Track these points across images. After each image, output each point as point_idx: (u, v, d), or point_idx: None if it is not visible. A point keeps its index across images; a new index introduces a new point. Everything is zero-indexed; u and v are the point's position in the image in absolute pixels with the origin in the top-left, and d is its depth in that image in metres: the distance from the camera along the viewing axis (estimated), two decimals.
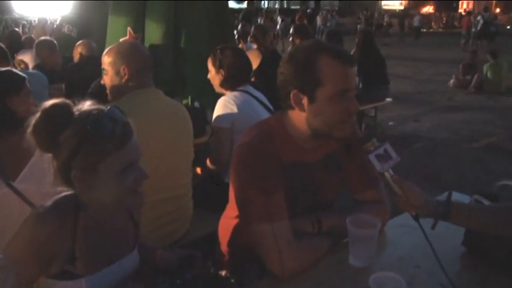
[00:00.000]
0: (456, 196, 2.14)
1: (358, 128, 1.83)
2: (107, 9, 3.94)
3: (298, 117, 1.56)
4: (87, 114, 1.26)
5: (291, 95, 1.52)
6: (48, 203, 1.31)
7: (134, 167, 1.31)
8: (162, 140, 2.16)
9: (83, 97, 1.34)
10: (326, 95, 1.47)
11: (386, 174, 1.47)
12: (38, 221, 1.28)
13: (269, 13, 23.33)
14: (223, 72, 2.84)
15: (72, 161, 1.25)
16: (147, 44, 3.58)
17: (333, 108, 1.48)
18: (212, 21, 3.75)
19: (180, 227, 2.39)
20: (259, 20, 21.86)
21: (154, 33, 3.55)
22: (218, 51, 2.88)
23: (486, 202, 1.79)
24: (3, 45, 3.99)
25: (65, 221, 1.30)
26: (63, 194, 1.33)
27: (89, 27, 5.91)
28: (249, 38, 5.56)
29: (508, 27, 29.44)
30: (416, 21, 24.94)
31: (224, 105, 2.77)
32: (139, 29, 3.63)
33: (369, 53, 6.25)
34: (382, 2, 39.83)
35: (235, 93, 2.83)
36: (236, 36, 7.00)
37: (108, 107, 1.30)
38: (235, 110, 2.73)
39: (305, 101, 1.51)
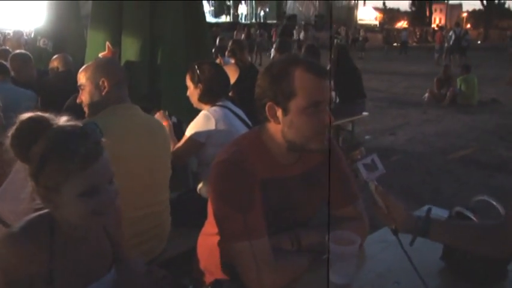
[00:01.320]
0: (435, 211, 2.16)
1: (336, 142, 1.84)
2: (82, 22, 3.91)
3: (275, 130, 1.58)
4: (59, 130, 1.25)
5: (266, 107, 1.53)
6: (21, 223, 1.28)
7: (100, 190, 1.27)
8: (139, 156, 2.14)
9: (59, 112, 1.32)
10: (299, 107, 1.49)
11: (371, 184, 1.49)
12: (9, 244, 1.24)
13: (248, 28, 23.51)
14: (201, 87, 2.85)
15: (38, 178, 1.24)
16: (123, 59, 3.57)
17: (306, 120, 1.50)
18: (189, 36, 3.74)
19: (158, 244, 2.36)
20: (235, 35, 22.04)
21: (130, 48, 3.53)
22: (196, 66, 2.89)
23: (469, 214, 1.80)
24: None
25: (39, 242, 1.27)
26: (37, 213, 1.31)
27: (65, 41, 5.86)
28: (226, 53, 5.57)
29: (479, 42, 30.22)
30: (403, 36, 25.89)
31: (203, 119, 2.77)
32: (116, 44, 3.62)
33: (344, 67, 6.32)
34: (358, 16, 40.56)
35: (215, 108, 2.84)
36: (213, 51, 7.02)
37: (84, 123, 1.28)
38: (212, 125, 2.74)
39: (279, 113, 1.52)
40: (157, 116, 3.15)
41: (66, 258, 1.32)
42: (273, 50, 5.67)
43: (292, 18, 30.57)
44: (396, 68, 18.18)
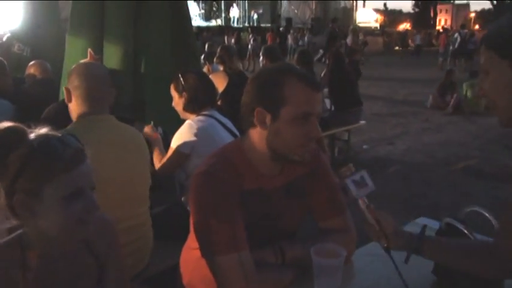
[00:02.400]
0: (426, 222, 2.23)
1: (323, 153, 1.91)
2: (61, 27, 3.92)
3: (259, 137, 1.63)
4: (40, 135, 1.28)
5: (255, 112, 1.59)
6: None
7: (84, 195, 1.29)
8: (115, 168, 2.19)
9: (37, 123, 1.36)
10: (289, 115, 1.55)
11: (361, 202, 1.56)
12: None
13: (239, 32, 23.64)
14: (185, 96, 2.93)
15: (16, 183, 1.24)
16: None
17: (294, 130, 1.56)
18: (175, 44, 3.79)
19: (141, 259, 2.40)
20: (226, 39, 22.14)
21: (112, 57, 3.57)
22: (180, 75, 2.97)
23: (459, 225, 1.86)
24: None
25: (8, 268, 1.26)
26: (6, 238, 1.31)
27: (43, 46, 5.73)
28: (214, 59, 5.64)
29: None
30: (417, 40, 26.26)
31: (187, 130, 2.84)
32: (98, 52, 3.66)
33: (340, 74, 6.43)
34: (357, 19, 40.82)
35: (200, 117, 2.91)
36: (202, 57, 7.09)
37: (63, 134, 1.32)
38: (197, 135, 2.81)
39: (268, 118, 1.58)
40: (146, 129, 3.21)
41: (41, 281, 1.30)
42: (261, 54, 5.71)
43: (288, 22, 30.76)
44: (396, 74, 18.23)
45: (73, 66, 2.36)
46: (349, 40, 13.18)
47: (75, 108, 2.27)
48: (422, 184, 5.88)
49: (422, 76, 17.17)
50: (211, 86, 3.08)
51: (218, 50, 5.63)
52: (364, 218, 1.57)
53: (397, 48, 32.32)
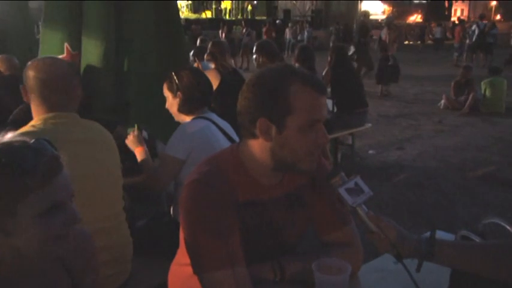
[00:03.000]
0: (439, 235, 2.25)
1: (326, 161, 1.93)
2: (31, 17, 3.90)
3: (261, 147, 1.65)
4: (6, 145, 1.23)
5: (258, 123, 1.60)
6: None
7: (62, 208, 1.28)
8: (83, 166, 2.20)
9: (3, 125, 1.35)
10: (296, 125, 1.57)
11: (359, 210, 1.58)
12: None
13: (231, 25, 23.68)
14: (180, 95, 2.94)
15: None
16: (83, 64, 3.62)
17: (301, 139, 1.59)
18: (160, 38, 3.81)
19: (118, 272, 2.39)
20: (220, 34, 22.15)
21: (92, 53, 3.58)
22: (173, 74, 2.98)
23: (476, 238, 1.88)
24: None
25: None
26: None
27: (9, 39, 5.71)
28: (205, 56, 5.66)
29: None
30: (437, 33, 26.33)
31: (183, 133, 2.86)
32: (76, 47, 3.65)
33: (343, 72, 6.47)
34: (362, 10, 40.95)
35: (196, 120, 2.92)
36: (191, 54, 7.11)
37: (34, 139, 1.28)
38: (192, 139, 2.81)
39: (273, 130, 1.60)
40: (130, 138, 3.21)
41: None
42: (254, 51, 5.68)
43: (286, 14, 30.86)
44: (406, 71, 18.18)
45: (28, 63, 2.37)
46: (383, 33, 13.12)
47: (33, 107, 2.32)
48: (435, 193, 5.88)
49: (435, 73, 17.18)
50: (208, 84, 3.09)
51: (209, 45, 5.65)
52: (365, 227, 1.59)
53: (406, 42, 32.46)
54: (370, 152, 7.68)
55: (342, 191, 1.56)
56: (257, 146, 1.66)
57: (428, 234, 1.62)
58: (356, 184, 1.58)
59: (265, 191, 1.72)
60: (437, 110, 10.85)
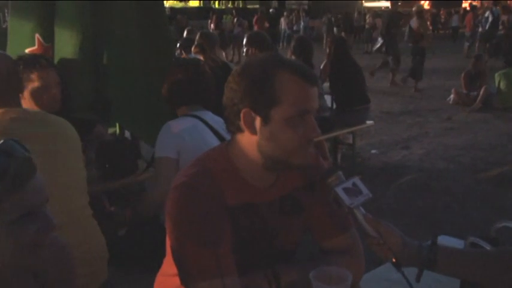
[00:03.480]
0: (447, 241, 2.27)
1: (324, 161, 1.94)
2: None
3: (249, 143, 1.66)
4: None
5: (242, 114, 1.62)
6: None
7: (36, 215, 1.27)
8: (42, 162, 2.21)
9: None
10: (283, 116, 1.59)
11: (357, 212, 1.60)
12: None
13: (220, 14, 23.66)
14: (165, 89, 3.01)
15: None
16: (57, 57, 3.59)
17: (289, 131, 1.60)
18: (144, 30, 3.79)
19: (89, 272, 2.37)
20: (209, 24, 22.13)
21: (66, 45, 3.55)
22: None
23: (486, 246, 1.89)
24: None
25: None
26: None
27: None
28: (193, 49, 5.67)
29: None
30: (454, 21, 26.29)
31: (168, 130, 2.88)
32: (49, 38, 3.62)
33: (342, 65, 6.48)
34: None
35: (183, 118, 2.94)
36: (178, 46, 7.12)
37: (2, 140, 1.26)
38: (181, 136, 2.83)
39: (258, 121, 1.61)
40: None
41: None
42: (244, 43, 5.66)
43: (281, 3, 30.84)
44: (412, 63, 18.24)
45: None
46: (413, 23, 13.05)
47: None
48: (444, 196, 5.89)
49: (444, 65, 17.16)
50: (202, 80, 3.10)
51: (197, 37, 5.66)
52: (363, 231, 1.61)
53: None
54: (373, 151, 7.70)
55: (339, 190, 1.58)
56: (245, 141, 1.67)
57: (430, 241, 1.63)
58: (354, 184, 1.60)
59: (258, 194, 1.73)
60: (446, 106, 10.82)
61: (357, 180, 1.61)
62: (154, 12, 3.89)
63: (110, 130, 4.22)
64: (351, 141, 6.87)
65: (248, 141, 1.66)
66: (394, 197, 5.78)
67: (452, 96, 10.97)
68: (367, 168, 6.86)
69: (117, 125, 4.09)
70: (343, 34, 19.63)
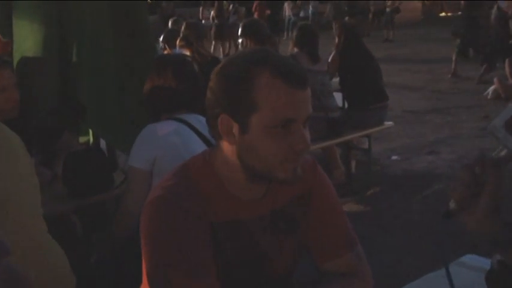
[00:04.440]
0: (473, 260, 2.31)
1: (321, 169, 1.97)
2: None
3: (229, 151, 1.69)
4: None
5: (219, 119, 1.65)
6: None
7: None
8: None
9: None
10: (262, 124, 1.59)
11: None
12: None
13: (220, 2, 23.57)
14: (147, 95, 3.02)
15: None
16: (17, 55, 3.63)
17: (269, 143, 1.60)
18: (119, 23, 3.80)
19: None
20: (201, 13, 22.09)
21: (26, 41, 3.59)
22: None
23: None
24: None
25: None
26: None
27: None
28: (178, 42, 5.72)
29: None
30: (502, 3, 26.00)
31: (144, 139, 2.92)
32: (9, 32, 3.66)
33: (354, 57, 6.51)
34: None
35: (163, 123, 2.97)
36: (161, 38, 7.17)
37: None
38: (157, 146, 2.86)
39: (236, 129, 1.63)
40: None
41: None
42: (239, 33, 5.67)
43: None
44: (441, 52, 17.98)
45: None
46: (503, 3, 12.83)
47: None
48: None
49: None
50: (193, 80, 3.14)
51: (182, 28, 5.71)
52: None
53: (443, 14, 32.42)
54: (393, 157, 7.68)
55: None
56: (227, 150, 1.69)
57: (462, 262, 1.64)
58: None
59: (245, 209, 1.75)
60: (484, 101, 10.66)
61: None
62: (130, 3, 3.91)
63: (82, 139, 4.26)
64: (366, 146, 6.81)
65: (229, 150, 1.69)
66: (419, 211, 5.77)
67: (492, 88, 10.72)
68: (387, 177, 6.86)
69: (91, 132, 4.13)
70: (347, 18, 19.62)
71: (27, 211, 2.45)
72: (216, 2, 21.75)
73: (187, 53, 5.43)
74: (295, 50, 6.05)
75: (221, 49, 19.42)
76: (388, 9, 24.64)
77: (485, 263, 2.16)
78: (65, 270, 2.52)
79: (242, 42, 5.61)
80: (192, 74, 3.12)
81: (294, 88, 1.60)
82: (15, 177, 2.47)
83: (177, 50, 5.85)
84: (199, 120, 2.99)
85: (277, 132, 1.59)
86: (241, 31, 5.63)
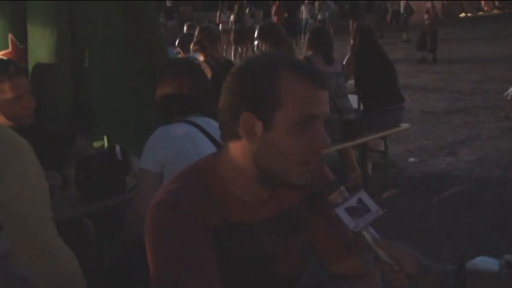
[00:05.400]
0: (483, 262, 2.30)
1: (328, 170, 1.97)
2: None
3: (243, 151, 1.69)
4: None
5: (241, 118, 1.64)
6: None
7: None
8: None
9: None
10: (286, 121, 1.61)
11: (365, 234, 1.61)
12: None
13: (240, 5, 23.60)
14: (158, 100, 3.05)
15: None
16: (31, 62, 3.66)
17: (293, 141, 1.61)
18: (130, 29, 3.82)
19: None
20: (218, 16, 22.08)
21: (40, 46, 3.62)
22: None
23: None
24: None
25: None
26: None
27: None
28: (191, 46, 5.73)
29: None
30: None
31: (155, 141, 2.95)
32: (22, 38, 3.70)
33: (369, 59, 6.50)
34: None
35: (175, 125, 2.98)
36: (177, 43, 7.20)
37: None
38: (167, 149, 2.88)
39: (259, 128, 1.63)
40: None
41: None
42: (256, 36, 5.67)
43: None
44: (461, 52, 17.96)
45: None
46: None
47: None
48: (499, 212, 5.77)
49: (503, 53, 16.90)
50: (203, 84, 3.15)
51: (196, 32, 5.73)
52: (374, 256, 1.62)
53: (463, 14, 32.23)
54: (411, 160, 7.65)
55: (340, 211, 1.58)
56: (239, 151, 1.70)
57: (473, 264, 1.65)
58: (359, 201, 1.60)
59: (251, 211, 1.76)
60: (504, 102, 10.40)
61: (362, 195, 1.62)
62: (141, 9, 3.92)
63: (96, 144, 4.29)
64: (383, 148, 6.82)
65: (243, 149, 1.69)
66: (437, 214, 5.75)
67: (511, 90, 10.78)
68: (404, 179, 6.83)
69: (105, 137, 4.16)
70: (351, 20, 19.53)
71: (36, 215, 2.45)
72: (235, 6, 21.79)
73: (201, 57, 5.45)
74: (310, 52, 6.04)
75: (242, 53, 19.48)
76: (402, 11, 24.52)
77: (493, 263, 2.16)
78: (76, 275, 2.53)
79: (258, 44, 5.60)
80: (204, 77, 3.16)
81: (317, 86, 1.64)
82: (23, 181, 2.49)
83: (191, 54, 5.87)
84: (210, 124, 3.01)
85: (299, 130, 1.61)
86: (258, 33, 5.63)
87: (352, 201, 1.60)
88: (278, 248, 1.82)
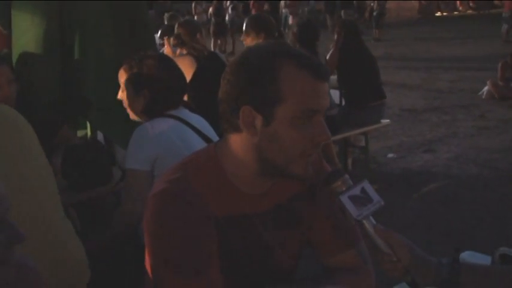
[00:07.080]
0: (472, 257, 2.32)
1: (329, 164, 1.98)
2: None
3: (244, 144, 1.68)
4: None
5: (241, 112, 1.64)
6: None
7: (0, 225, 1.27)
8: None
9: None
10: (287, 115, 1.60)
11: (366, 223, 1.63)
12: None
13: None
14: (146, 94, 2.94)
15: None
16: (16, 49, 3.62)
17: (294, 134, 1.62)
18: (118, 15, 3.80)
19: None
20: (194, 8, 22.01)
21: (27, 32, 3.56)
22: (136, 61, 2.98)
23: None
24: None
25: None
26: None
27: None
28: (171, 41, 5.67)
29: None
30: None
31: (142, 138, 2.88)
32: (7, 24, 3.67)
33: (353, 55, 6.53)
34: None
35: (160, 120, 2.93)
36: (158, 35, 7.15)
37: None
38: (157, 145, 2.84)
39: (259, 121, 1.63)
40: None
41: None
42: (244, 28, 5.56)
43: None
44: (438, 51, 18.03)
45: None
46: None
47: None
48: (476, 208, 5.85)
49: (477, 53, 17.06)
50: (182, 76, 3.11)
51: (175, 26, 5.69)
52: (372, 245, 1.64)
53: (439, 14, 32.46)
54: (390, 155, 7.71)
55: (344, 199, 1.60)
56: (240, 143, 1.69)
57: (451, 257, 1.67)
58: (363, 191, 1.62)
59: (250, 203, 1.76)
60: (479, 101, 10.75)
61: (366, 184, 1.63)
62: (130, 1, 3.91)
63: (80, 133, 4.26)
64: (363, 143, 6.86)
65: (244, 143, 1.68)
66: (415, 209, 5.80)
67: (486, 88, 10.87)
68: (384, 175, 6.88)
69: (88, 126, 4.13)
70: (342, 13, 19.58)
71: (45, 196, 2.42)
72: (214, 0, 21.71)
73: (184, 51, 5.40)
74: (297, 46, 6.02)
75: (222, 46, 19.42)
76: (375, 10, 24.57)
77: (483, 258, 2.17)
78: (81, 261, 2.49)
79: (248, 35, 5.46)
80: (178, 69, 3.12)
81: (318, 80, 1.63)
82: (31, 163, 2.44)
83: (172, 47, 5.80)
84: (193, 117, 2.99)
85: (299, 123, 1.61)
86: (246, 26, 5.53)
87: (356, 190, 1.62)
88: (276, 239, 1.82)
